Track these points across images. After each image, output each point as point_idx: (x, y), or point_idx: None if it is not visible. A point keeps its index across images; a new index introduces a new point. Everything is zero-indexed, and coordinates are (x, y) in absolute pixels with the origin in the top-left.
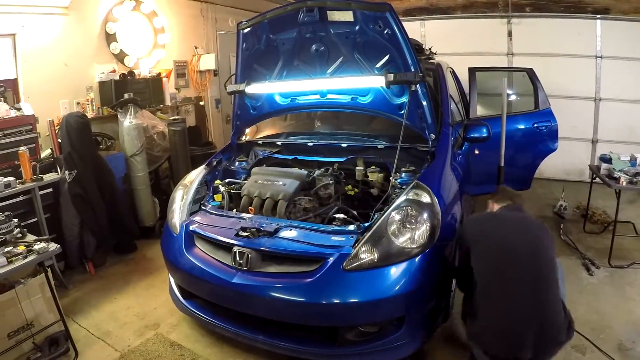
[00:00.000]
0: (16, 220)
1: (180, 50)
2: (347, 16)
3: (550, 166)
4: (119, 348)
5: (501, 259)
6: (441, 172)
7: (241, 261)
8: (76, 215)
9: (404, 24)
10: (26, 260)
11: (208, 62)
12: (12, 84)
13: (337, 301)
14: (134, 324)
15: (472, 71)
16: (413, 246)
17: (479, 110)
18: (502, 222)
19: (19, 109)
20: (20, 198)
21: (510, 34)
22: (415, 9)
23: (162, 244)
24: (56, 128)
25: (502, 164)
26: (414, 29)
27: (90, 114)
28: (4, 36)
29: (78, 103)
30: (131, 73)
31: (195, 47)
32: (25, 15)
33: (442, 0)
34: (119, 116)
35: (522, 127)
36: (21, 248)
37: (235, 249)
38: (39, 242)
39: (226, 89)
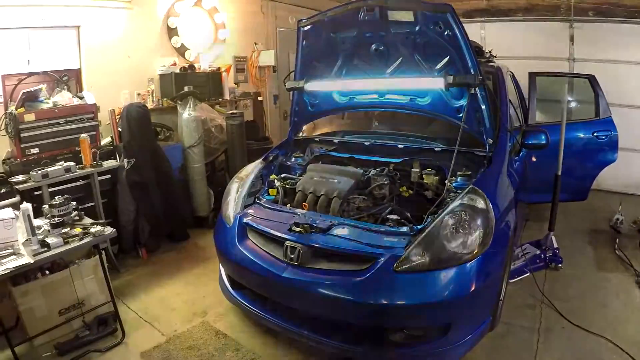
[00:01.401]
0: (74, 203)
1: (240, 46)
2: (408, 16)
3: (608, 178)
4: (165, 332)
5: None
6: (497, 178)
7: (292, 256)
8: (132, 202)
9: (464, 25)
10: (82, 242)
11: (267, 58)
12: (76, 74)
13: (385, 302)
14: (182, 310)
15: (533, 76)
16: (465, 252)
17: (538, 116)
18: None
19: (81, 98)
20: (80, 183)
21: (572, 38)
22: (476, 10)
23: (215, 234)
24: (117, 117)
25: (560, 173)
26: (474, 31)
27: (150, 105)
28: (69, 28)
29: (139, 94)
30: (191, 67)
31: (255, 44)
32: (90, 9)
33: (503, 3)
34: (178, 108)
35: (581, 135)
36: (78, 230)
37: (287, 243)
38: (95, 226)
39: (285, 86)
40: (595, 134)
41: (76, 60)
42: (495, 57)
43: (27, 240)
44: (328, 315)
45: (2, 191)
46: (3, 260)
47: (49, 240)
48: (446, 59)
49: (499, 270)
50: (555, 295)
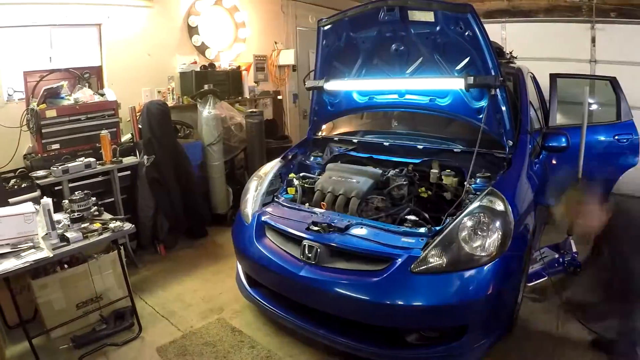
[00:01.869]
0: (94, 199)
1: (260, 45)
2: (428, 16)
3: (629, 182)
4: (181, 328)
5: None
6: (517, 180)
7: (310, 255)
8: (151, 198)
9: (484, 26)
10: (101, 237)
11: (287, 57)
12: (97, 71)
13: (402, 303)
14: (199, 306)
15: (553, 77)
16: (483, 254)
17: (558, 119)
18: None
19: (102, 95)
20: (100, 178)
21: (593, 40)
22: (497, 11)
23: (233, 232)
24: (137, 114)
25: (580, 176)
26: (494, 31)
27: (170, 103)
28: (91, 26)
29: (159, 91)
30: (212, 65)
31: (275, 43)
32: (111, 7)
33: (524, 3)
34: (198, 106)
35: (602, 138)
36: (97, 225)
37: (305, 242)
38: (114, 221)
39: (305, 85)
40: (616, 137)
41: (97, 58)
42: (516, 58)
43: (46, 234)
44: (344, 314)
45: (23, 186)
46: (23, 254)
47: (69, 234)
48: (467, 60)
49: (516, 273)
50: (573, 300)
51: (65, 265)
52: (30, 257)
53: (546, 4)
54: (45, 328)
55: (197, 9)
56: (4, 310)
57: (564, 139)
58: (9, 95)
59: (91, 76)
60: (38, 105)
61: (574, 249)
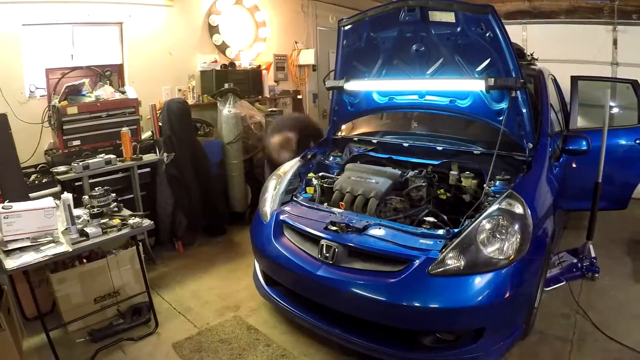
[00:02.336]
0: (114, 195)
1: (280, 44)
2: (449, 17)
3: None
4: (197, 324)
5: None
6: (536, 183)
7: (327, 254)
8: (170, 196)
9: (505, 27)
10: (120, 232)
11: (307, 57)
12: (118, 69)
13: (418, 304)
14: (215, 303)
15: (575, 80)
16: (501, 257)
17: (579, 122)
18: None
19: (123, 92)
20: (119, 175)
21: (615, 42)
22: (518, 12)
23: (251, 230)
24: (157, 112)
25: (600, 180)
26: (515, 32)
27: (190, 101)
28: (112, 24)
29: (180, 90)
30: (232, 64)
31: (295, 42)
32: (132, 6)
33: (545, 4)
34: (218, 105)
35: (622, 142)
36: (116, 221)
37: (323, 242)
38: (133, 217)
39: (325, 85)
40: (637, 141)
41: (118, 56)
42: (536, 59)
43: (66, 229)
44: (360, 315)
45: (43, 181)
46: (42, 248)
47: (88, 229)
48: (487, 61)
49: (534, 277)
50: (591, 306)
51: (84, 260)
52: (49, 251)
53: (567, 5)
54: (62, 321)
55: (217, 8)
56: (22, 303)
57: (584, 143)
58: (30, 92)
59: (112, 74)
60: (59, 102)
61: (593, 254)
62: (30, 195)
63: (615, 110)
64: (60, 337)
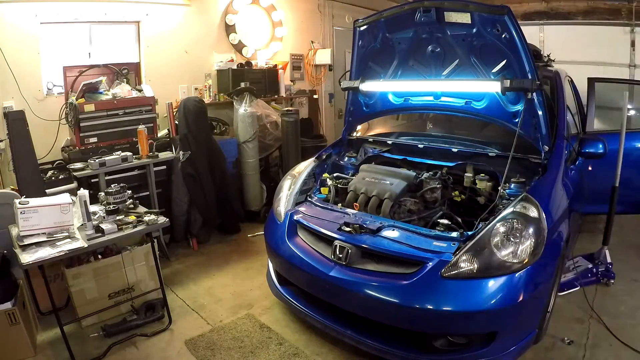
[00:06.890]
0: (130, 192)
1: (296, 44)
2: (465, 18)
3: None
4: (210, 322)
5: None
6: (552, 186)
7: (341, 255)
8: (186, 193)
9: (522, 28)
10: (135, 229)
11: (324, 56)
12: (135, 67)
13: (431, 307)
14: (229, 301)
15: (592, 82)
16: (514, 261)
17: (596, 124)
18: None
19: (140, 91)
20: (135, 172)
21: (633, 43)
22: (534, 13)
23: (266, 229)
24: (174, 110)
25: (617, 184)
26: (532, 33)
27: (207, 100)
28: (129, 23)
29: (196, 88)
30: (248, 63)
31: (312, 42)
32: (150, 5)
33: (562, 5)
34: (234, 103)
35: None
36: (132, 218)
37: (337, 242)
38: (149, 214)
39: (340, 85)
40: None
41: (136, 54)
42: (553, 61)
43: (82, 225)
44: (372, 316)
45: (60, 177)
46: (58, 243)
47: (104, 226)
48: (503, 63)
49: (548, 281)
50: (605, 312)
51: (99, 256)
52: (65, 246)
53: (585, 7)
54: (76, 316)
55: (234, 7)
56: (37, 297)
57: (601, 145)
58: (48, 89)
59: (129, 72)
60: (77, 100)
61: (609, 260)
62: (47, 191)
63: (633, 112)
64: (74, 332)
